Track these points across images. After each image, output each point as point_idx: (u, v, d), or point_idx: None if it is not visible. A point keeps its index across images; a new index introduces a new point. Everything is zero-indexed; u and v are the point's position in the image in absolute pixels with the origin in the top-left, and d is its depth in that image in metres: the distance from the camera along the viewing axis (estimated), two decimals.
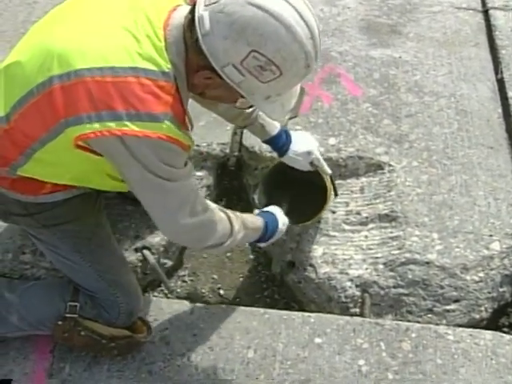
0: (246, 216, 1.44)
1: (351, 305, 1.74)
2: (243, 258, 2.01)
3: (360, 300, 1.74)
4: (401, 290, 1.72)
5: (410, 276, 1.72)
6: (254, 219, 1.48)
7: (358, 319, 1.61)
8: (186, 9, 1.14)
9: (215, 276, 1.96)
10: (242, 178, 2.14)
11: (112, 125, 1.04)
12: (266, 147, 2.03)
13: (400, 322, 1.61)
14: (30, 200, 1.28)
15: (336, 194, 1.86)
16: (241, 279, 1.95)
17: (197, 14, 1.04)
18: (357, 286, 1.74)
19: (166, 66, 1.08)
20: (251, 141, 2.07)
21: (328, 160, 2.01)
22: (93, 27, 1.11)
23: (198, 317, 1.59)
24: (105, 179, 1.29)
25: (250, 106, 1.25)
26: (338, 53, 2.41)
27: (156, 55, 1.07)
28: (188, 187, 1.23)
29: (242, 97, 1.14)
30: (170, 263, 1.90)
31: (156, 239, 1.82)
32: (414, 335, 1.56)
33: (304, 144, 1.68)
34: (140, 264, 1.77)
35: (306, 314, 1.61)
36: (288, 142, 1.68)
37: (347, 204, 1.94)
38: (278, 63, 1.04)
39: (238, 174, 2.16)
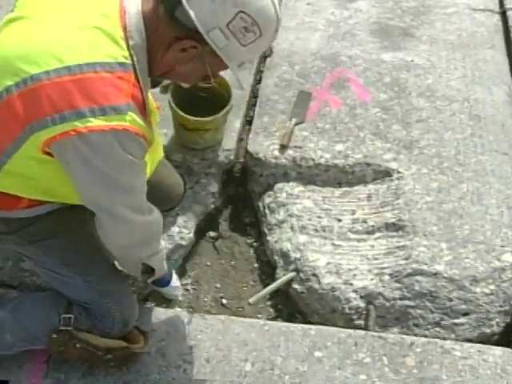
0: None
1: (355, 316, 1.69)
2: (247, 267, 1.97)
3: (365, 312, 1.68)
4: (407, 302, 1.66)
5: (416, 287, 1.66)
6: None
7: (361, 332, 1.55)
8: None
9: (218, 285, 1.92)
10: (247, 184, 2.10)
11: (77, 123, 1.02)
12: (271, 154, 2.00)
13: (405, 336, 1.55)
14: (11, 216, 1.26)
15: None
16: (244, 288, 1.91)
17: None
18: (361, 297, 1.69)
19: (123, 56, 1.06)
20: (256, 147, 2.03)
21: (334, 167, 1.97)
22: (43, 28, 1.08)
23: (196, 327, 1.55)
24: (73, 192, 1.26)
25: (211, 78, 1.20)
26: (348, 57, 2.36)
27: (111, 46, 1.05)
28: (141, 181, 1.21)
29: (212, 75, 1.15)
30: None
31: None
32: (418, 350, 1.50)
33: None
34: None
35: (307, 326, 1.57)
36: None
37: (353, 212, 1.89)
38: (260, 24, 1.07)
39: (244, 180, 2.12)
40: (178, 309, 1.63)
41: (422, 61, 2.33)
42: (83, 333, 1.42)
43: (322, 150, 2.00)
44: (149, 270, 1.43)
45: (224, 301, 1.87)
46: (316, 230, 1.85)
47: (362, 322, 1.67)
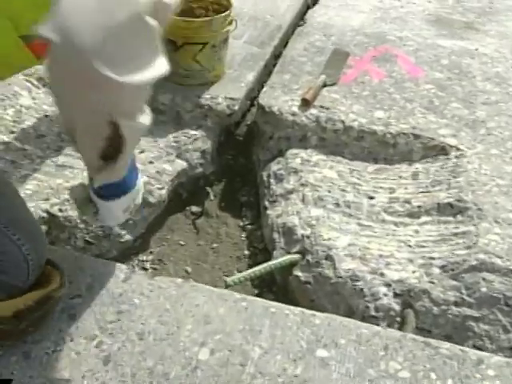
0: None
1: (383, 323, 1.09)
2: (234, 253, 1.41)
3: (399, 318, 1.10)
4: (467, 311, 1.07)
5: (483, 289, 1.08)
6: None
7: (396, 333, 0.96)
8: None
9: (189, 269, 1.36)
10: (252, 152, 1.59)
11: None
12: (288, 109, 1.50)
13: (467, 349, 0.95)
14: None
15: None
16: (225, 278, 1.34)
17: None
18: (396, 294, 1.11)
19: None
20: (270, 100, 1.54)
21: (371, 134, 1.45)
22: None
23: (135, 288, 0.98)
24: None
25: None
26: (398, 37, 1.92)
27: None
28: None
29: None
30: (128, 238, 1.32)
31: None
32: (491, 373, 0.90)
33: None
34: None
35: (309, 311, 0.98)
36: None
37: (392, 190, 1.34)
38: None
39: (247, 148, 1.61)
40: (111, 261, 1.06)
41: (490, 51, 1.87)
42: None
43: (357, 114, 1.50)
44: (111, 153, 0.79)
45: None
46: (337, 205, 1.30)
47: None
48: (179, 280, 1.01)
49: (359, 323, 0.96)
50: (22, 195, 1.23)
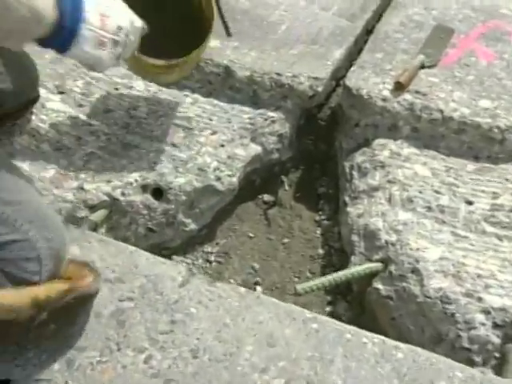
0: None
1: (478, 358, 0.93)
2: (307, 251, 1.28)
3: (498, 354, 0.93)
4: None
5: None
6: None
7: (496, 381, 0.79)
8: None
9: (256, 265, 1.25)
10: (335, 139, 1.44)
11: None
12: (378, 93, 1.32)
13: None
14: None
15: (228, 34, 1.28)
16: (295, 279, 1.22)
17: None
18: (496, 325, 0.93)
19: None
20: (358, 82, 1.37)
21: (475, 127, 1.25)
22: None
23: (193, 295, 0.87)
24: None
25: None
26: None
27: None
28: None
29: None
30: (193, 227, 1.23)
31: (179, 180, 1.17)
32: None
33: None
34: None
35: (392, 342, 0.83)
36: None
37: (496, 196, 1.15)
38: None
39: (330, 133, 1.46)
40: (163, 258, 0.95)
41: None
42: None
43: (458, 102, 1.30)
44: None
45: (258, 288, 1.19)
46: (429, 209, 1.13)
47: (489, 371, 0.92)
48: (242, 289, 0.89)
49: (451, 362, 0.80)
50: (83, 175, 1.16)
